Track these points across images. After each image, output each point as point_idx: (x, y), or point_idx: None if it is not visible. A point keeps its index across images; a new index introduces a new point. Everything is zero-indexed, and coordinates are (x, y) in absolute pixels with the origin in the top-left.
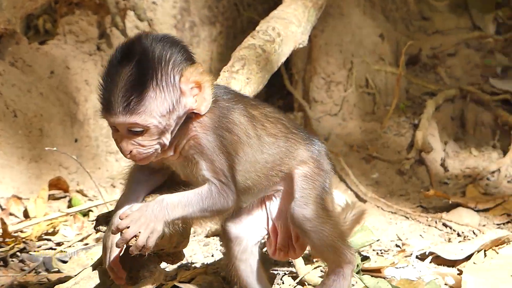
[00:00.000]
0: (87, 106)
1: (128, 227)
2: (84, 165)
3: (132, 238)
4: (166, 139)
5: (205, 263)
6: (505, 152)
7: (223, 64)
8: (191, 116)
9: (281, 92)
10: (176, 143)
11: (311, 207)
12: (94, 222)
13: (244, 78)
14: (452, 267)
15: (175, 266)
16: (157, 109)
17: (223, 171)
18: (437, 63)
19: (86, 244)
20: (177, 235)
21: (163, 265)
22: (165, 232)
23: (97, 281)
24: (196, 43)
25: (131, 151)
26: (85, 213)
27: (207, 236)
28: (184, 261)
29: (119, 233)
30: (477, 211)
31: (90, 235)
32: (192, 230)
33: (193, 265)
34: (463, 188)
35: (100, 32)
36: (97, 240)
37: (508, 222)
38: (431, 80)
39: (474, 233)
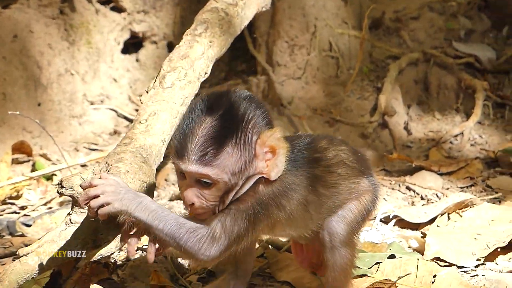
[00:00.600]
0: (50, 70)
1: (95, 187)
2: (48, 129)
3: (91, 199)
4: (227, 198)
5: None
6: (468, 116)
7: (186, 28)
8: (259, 181)
9: (245, 55)
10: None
11: (346, 228)
12: (58, 185)
13: (207, 42)
14: (416, 230)
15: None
16: (230, 166)
17: (230, 233)
18: (401, 26)
19: (50, 208)
20: None
21: None
22: (121, 219)
23: (61, 244)
24: (159, 6)
25: (193, 203)
26: (49, 177)
27: (171, 200)
28: None
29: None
30: (441, 174)
31: (53, 199)
32: (155, 193)
33: None
34: (426, 152)
35: None
36: (61, 203)
37: (471, 186)
38: (394, 44)
39: (437, 196)
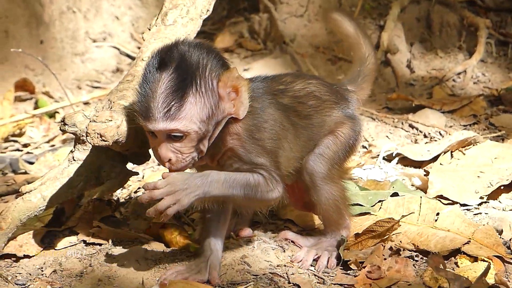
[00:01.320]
0: (52, 7)
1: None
2: (50, 67)
3: (156, 199)
4: (203, 145)
5: None
6: (471, 53)
7: None
8: (229, 122)
9: None
10: (213, 152)
11: (325, 165)
12: (60, 123)
13: None
14: (419, 168)
15: (142, 166)
16: (197, 115)
17: (267, 166)
18: None
19: (53, 145)
20: (142, 133)
21: (130, 165)
22: (195, 206)
23: (63, 181)
24: None
25: (170, 159)
26: (52, 115)
27: None
28: (151, 162)
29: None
30: (443, 112)
31: (56, 136)
32: None
33: (160, 167)
34: (429, 90)
35: None
36: (64, 141)
37: (474, 123)
38: None
39: (440, 134)
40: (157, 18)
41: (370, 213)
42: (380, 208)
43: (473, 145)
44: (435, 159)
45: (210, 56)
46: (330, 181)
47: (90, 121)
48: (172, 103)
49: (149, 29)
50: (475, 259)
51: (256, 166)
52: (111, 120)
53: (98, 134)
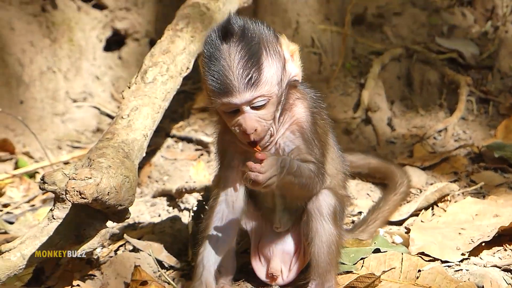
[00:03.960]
0: (32, 67)
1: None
2: (30, 127)
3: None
4: (278, 110)
5: (152, 222)
6: (451, 111)
7: (168, 25)
8: (290, 91)
9: None
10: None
11: (336, 202)
12: (40, 181)
13: (188, 37)
14: (400, 225)
15: (121, 225)
16: (274, 76)
17: (318, 160)
18: (383, 22)
19: (33, 205)
20: (124, 189)
21: (110, 224)
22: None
23: (43, 240)
24: (141, 3)
25: (256, 129)
26: (32, 175)
27: (154, 197)
28: (131, 221)
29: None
30: (424, 169)
31: (36, 196)
32: (138, 190)
33: (140, 225)
34: (410, 147)
35: None
36: (44, 201)
37: (455, 180)
38: (377, 39)
39: (421, 192)
40: (137, 76)
41: (352, 271)
42: (362, 266)
43: (450, 199)
44: (413, 215)
45: (265, 24)
46: (334, 222)
47: (70, 179)
48: (251, 71)
49: (129, 87)
50: None
51: (310, 156)
52: (90, 178)
53: (77, 191)
